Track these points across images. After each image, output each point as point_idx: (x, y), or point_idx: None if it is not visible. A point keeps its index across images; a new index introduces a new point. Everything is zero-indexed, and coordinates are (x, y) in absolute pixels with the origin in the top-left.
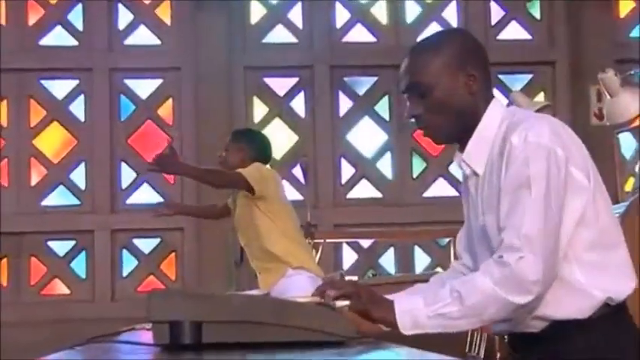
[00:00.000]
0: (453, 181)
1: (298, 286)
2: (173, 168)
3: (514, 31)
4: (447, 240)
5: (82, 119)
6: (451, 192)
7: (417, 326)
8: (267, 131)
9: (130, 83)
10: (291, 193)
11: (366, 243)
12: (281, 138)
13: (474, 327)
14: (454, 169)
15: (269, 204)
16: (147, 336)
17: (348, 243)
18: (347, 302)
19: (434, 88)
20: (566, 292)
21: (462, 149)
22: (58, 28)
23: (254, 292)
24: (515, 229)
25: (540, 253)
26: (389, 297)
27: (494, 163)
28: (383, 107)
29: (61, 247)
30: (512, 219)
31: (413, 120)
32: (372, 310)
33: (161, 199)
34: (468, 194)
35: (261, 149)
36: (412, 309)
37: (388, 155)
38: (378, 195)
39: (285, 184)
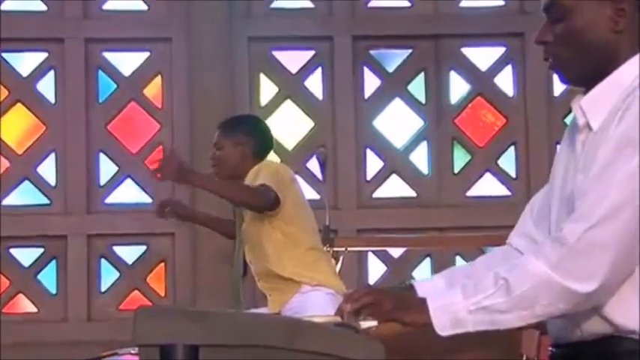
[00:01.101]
0: (502, 177)
1: (315, 304)
2: (180, 176)
3: None
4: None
5: (52, 100)
6: (500, 190)
7: (457, 324)
8: (276, 116)
9: (110, 57)
10: (306, 192)
11: (396, 252)
12: (293, 124)
13: (527, 322)
14: (504, 163)
15: (284, 213)
16: None
17: (374, 252)
18: (374, 322)
19: (572, 13)
20: (632, 292)
21: (586, 94)
22: None
23: (262, 310)
24: (598, 194)
25: (619, 229)
26: (420, 288)
27: (612, 120)
28: (418, 87)
29: (26, 255)
30: (599, 182)
31: (541, 46)
32: (400, 316)
33: (148, 199)
34: (571, 150)
35: (263, 140)
36: (449, 304)
37: (424, 145)
38: (412, 194)
39: (298, 180)
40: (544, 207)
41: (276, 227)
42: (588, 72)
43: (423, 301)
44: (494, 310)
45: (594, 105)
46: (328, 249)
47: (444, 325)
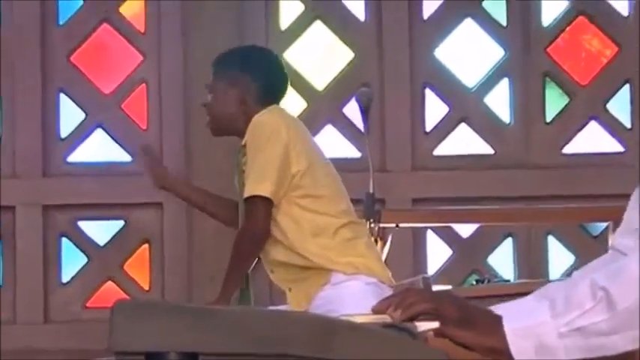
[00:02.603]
0: (612, 126)
1: (352, 298)
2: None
3: None
4: (604, 225)
5: None
6: (609, 145)
7: (544, 352)
8: (301, 44)
9: None
10: (342, 148)
11: (466, 230)
12: (325, 56)
13: (638, 346)
14: (614, 108)
15: (297, 184)
16: None
17: (435, 230)
18: (435, 323)
19: None
20: None
21: None
22: None
23: (282, 308)
24: None
25: None
26: (495, 308)
27: None
28: (497, 4)
29: None
30: None
31: None
32: (467, 335)
33: (127, 157)
34: None
35: (269, 79)
36: (533, 325)
37: (505, 84)
38: (487, 150)
39: (331, 132)
40: None
41: (292, 202)
42: None
43: (499, 319)
44: (594, 332)
45: None
46: (372, 225)
47: (525, 353)
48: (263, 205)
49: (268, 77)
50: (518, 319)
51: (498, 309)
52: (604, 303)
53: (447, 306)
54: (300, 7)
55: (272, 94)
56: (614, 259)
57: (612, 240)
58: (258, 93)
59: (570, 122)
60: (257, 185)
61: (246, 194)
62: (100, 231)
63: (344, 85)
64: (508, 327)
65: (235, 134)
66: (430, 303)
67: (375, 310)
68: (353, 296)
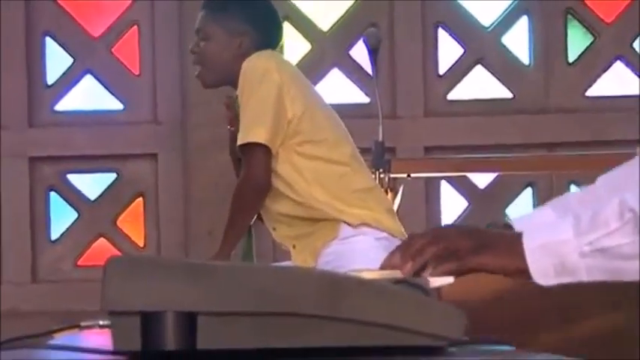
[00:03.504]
0: None
1: (362, 253)
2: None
3: None
4: None
5: None
6: (638, 87)
7: (564, 271)
8: None
9: None
10: (349, 93)
11: (483, 180)
12: None
13: None
14: None
15: (295, 129)
16: (100, 339)
17: (450, 180)
18: (449, 279)
19: None
20: None
21: None
22: None
23: (286, 264)
24: None
25: None
26: (516, 220)
27: None
28: None
29: None
30: None
31: None
32: (483, 260)
33: (118, 105)
34: None
35: (271, 29)
36: (554, 243)
37: (524, 22)
38: (505, 94)
39: (337, 76)
40: None
41: (291, 150)
42: None
43: (517, 237)
44: (617, 255)
45: None
46: (382, 175)
47: (545, 272)
48: (261, 153)
49: (270, 31)
50: (538, 236)
51: (519, 222)
52: (631, 225)
53: (457, 238)
54: None
55: (269, 46)
56: None
57: None
58: (258, 46)
59: (594, 63)
60: (251, 131)
61: (239, 141)
62: (91, 184)
63: (350, 26)
64: (527, 245)
65: (230, 85)
66: (439, 243)
67: (384, 266)
68: (363, 252)
